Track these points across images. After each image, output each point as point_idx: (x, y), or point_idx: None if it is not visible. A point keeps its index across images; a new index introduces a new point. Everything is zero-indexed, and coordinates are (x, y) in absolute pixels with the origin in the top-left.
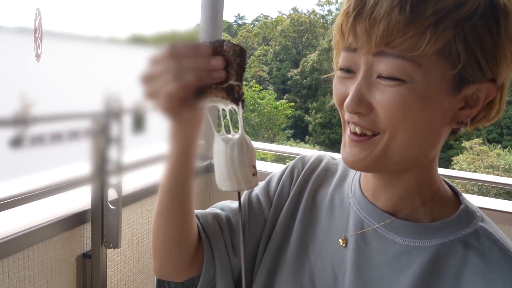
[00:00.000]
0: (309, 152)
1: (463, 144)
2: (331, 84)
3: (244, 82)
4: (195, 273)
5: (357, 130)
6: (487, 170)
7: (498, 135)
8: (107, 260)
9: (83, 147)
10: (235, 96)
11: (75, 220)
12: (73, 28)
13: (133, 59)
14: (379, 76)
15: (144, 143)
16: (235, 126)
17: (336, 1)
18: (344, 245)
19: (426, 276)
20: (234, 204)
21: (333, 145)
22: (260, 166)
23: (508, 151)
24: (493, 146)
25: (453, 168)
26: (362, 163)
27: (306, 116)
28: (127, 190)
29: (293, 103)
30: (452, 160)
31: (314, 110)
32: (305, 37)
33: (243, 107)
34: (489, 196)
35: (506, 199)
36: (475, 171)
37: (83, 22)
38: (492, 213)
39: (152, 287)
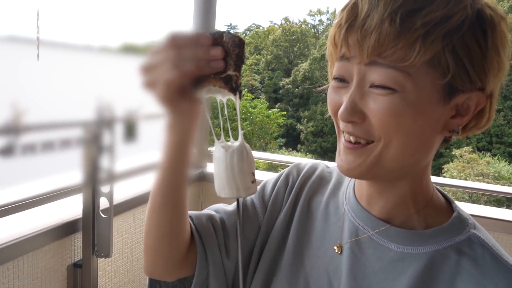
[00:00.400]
0: (302, 161)
1: (453, 152)
2: (323, 93)
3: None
4: (186, 274)
5: (351, 139)
6: (477, 177)
7: (488, 143)
8: (98, 270)
9: (75, 156)
10: (233, 86)
11: (66, 229)
12: (65, 37)
13: (125, 68)
14: (372, 85)
15: (136, 151)
16: (235, 136)
17: (327, 12)
18: (339, 252)
19: (420, 283)
20: (229, 207)
21: (325, 153)
22: None
23: (497, 159)
24: (483, 154)
25: (444, 176)
26: (357, 170)
27: (298, 124)
28: (119, 199)
29: (285, 112)
30: (443, 168)
31: (306, 119)
32: (297, 46)
33: (240, 98)
34: (480, 204)
35: (496, 206)
36: (465, 179)
37: (75, 31)
38: (482, 220)
39: None
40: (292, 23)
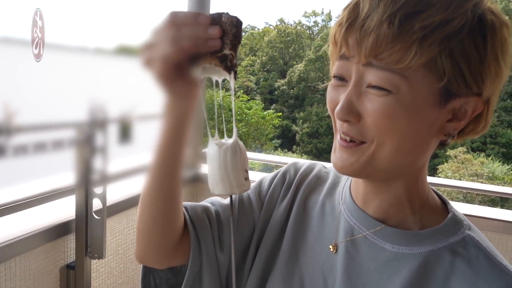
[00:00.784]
0: (298, 161)
1: (447, 153)
2: (318, 94)
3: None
4: (177, 263)
5: (347, 138)
6: (471, 178)
7: (482, 144)
8: (92, 271)
9: (67, 157)
10: (228, 65)
11: (59, 230)
12: (59, 38)
13: (120, 69)
14: (369, 86)
15: (130, 153)
16: (229, 135)
17: (322, 13)
18: (334, 251)
19: (415, 283)
20: (225, 200)
21: (320, 154)
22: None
23: (491, 159)
24: (477, 154)
25: (439, 177)
26: (350, 168)
27: (293, 125)
28: (112, 200)
29: (280, 113)
30: (437, 169)
31: (301, 120)
32: (292, 47)
33: (235, 78)
34: (474, 204)
35: (490, 206)
36: (459, 179)
37: (70, 33)
38: (476, 219)
39: None
40: (287, 24)
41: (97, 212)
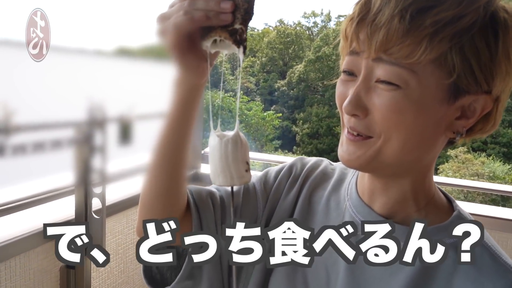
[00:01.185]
0: (305, 156)
1: (448, 153)
2: (318, 94)
3: (231, 93)
4: (178, 243)
5: (354, 132)
6: (472, 178)
7: (483, 144)
8: (92, 271)
9: (66, 157)
10: (237, 38)
11: None
12: (58, 39)
13: (119, 71)
14: (377, 80)
15: (130, 153)
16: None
17: (322, 14)
18: None
19: (418, 280)
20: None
21: (321, 155)
22: None
23: (492, 159)
24: (478, 154)
25: (439, 176)
26: (357, 162)
27: (294, 126)
28: (112, 200)
29: (280, 114)
30: (438, 169)
31: (301, 121)
32: (292, 48)
33: (244, 52)
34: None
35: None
36: (460, 179)
37: (70, 34)
38: (477, 217)
39: None
40: (287, 25)
41: (96, 212)
